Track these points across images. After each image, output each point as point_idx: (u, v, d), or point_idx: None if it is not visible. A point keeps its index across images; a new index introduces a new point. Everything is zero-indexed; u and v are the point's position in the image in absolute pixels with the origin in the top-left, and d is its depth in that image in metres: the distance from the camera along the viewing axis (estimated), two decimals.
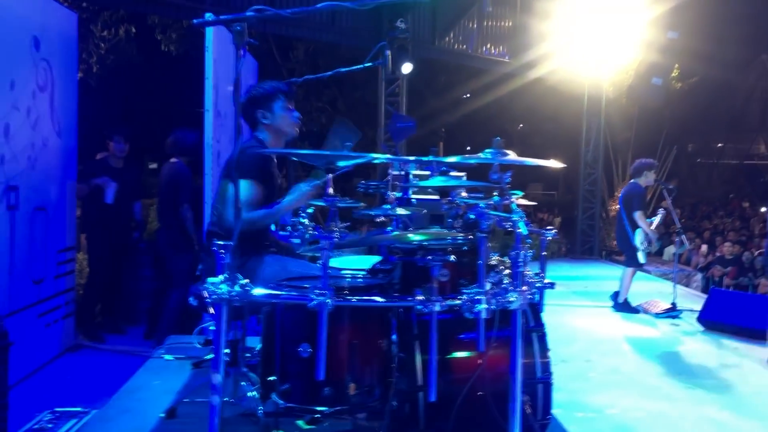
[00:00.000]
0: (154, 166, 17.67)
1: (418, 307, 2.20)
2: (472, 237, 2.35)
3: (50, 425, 3.71)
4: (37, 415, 3.80)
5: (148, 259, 6.47)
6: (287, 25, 9.30)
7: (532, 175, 33.45)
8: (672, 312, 7.28)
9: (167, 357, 4.36)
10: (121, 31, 11.21)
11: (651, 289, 8.85)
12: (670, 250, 12.82)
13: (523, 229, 2.19)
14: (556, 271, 11.17)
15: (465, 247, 2.60)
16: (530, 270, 2.60)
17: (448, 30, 10.97)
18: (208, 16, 4.05)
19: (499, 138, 2.39)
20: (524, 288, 2.26)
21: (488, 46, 11.56)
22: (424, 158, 3.46)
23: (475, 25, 11.29)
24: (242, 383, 3.19)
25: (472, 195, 3.07)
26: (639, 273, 8.45)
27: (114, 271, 6.09)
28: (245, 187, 3.10)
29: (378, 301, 2.35)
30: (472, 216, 2.83)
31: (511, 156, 2.46)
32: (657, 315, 7.26)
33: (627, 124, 16.23)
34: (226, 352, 3.41)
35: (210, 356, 3.71)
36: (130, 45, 11.68)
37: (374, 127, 10.63)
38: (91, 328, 5.88)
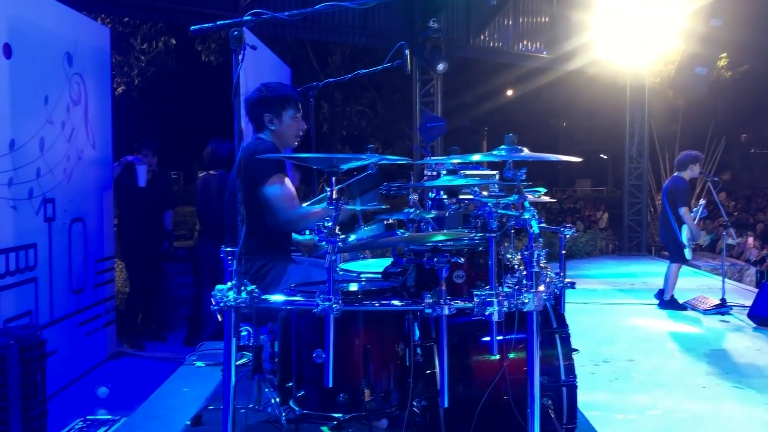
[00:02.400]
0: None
1: (427, 311, 2.15)
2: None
3: None
4: (70, 422, 3.87)
5: (187, 266, 6.55)
6: (319, 30, 9.34)
7: (581, 171, 32.94)
8: (721, 308, 7.02)
9: (198, 364, 4.40)
10: (161, 43, 11.42)
11: (700, 284, 8.58)
12: (720, 244, 12.42)
13: (534, 228, 2.12)
14: (602, 268, 10.94)
15: (481, 248, 2.53)
16: (548, 269, 2.53)
17: (483, 28, 10.86)
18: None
19: (510, 135, 2.32)
20: (540, 288, 2.19)
21: (525, 42, 11.39)
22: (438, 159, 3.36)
23: (511, 22, 11.15)
24: (266, 390, 3.18)
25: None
26: (687, 268, 8.19)
27: (152, 279, 6.19)
28: (282, 185, 2.99)
29: (385, 305, 2.30)
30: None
31: (526, 152, 2.39)
32: (705, 311, 7.01)
33: (673, 115, 15.82)
34: (246, 360, 3.44)
35: (241, 362, 3.73)
36: (170, 56, 11.89)
37: (413, 127, 10.60)
38: (133, 335, 5.99)
